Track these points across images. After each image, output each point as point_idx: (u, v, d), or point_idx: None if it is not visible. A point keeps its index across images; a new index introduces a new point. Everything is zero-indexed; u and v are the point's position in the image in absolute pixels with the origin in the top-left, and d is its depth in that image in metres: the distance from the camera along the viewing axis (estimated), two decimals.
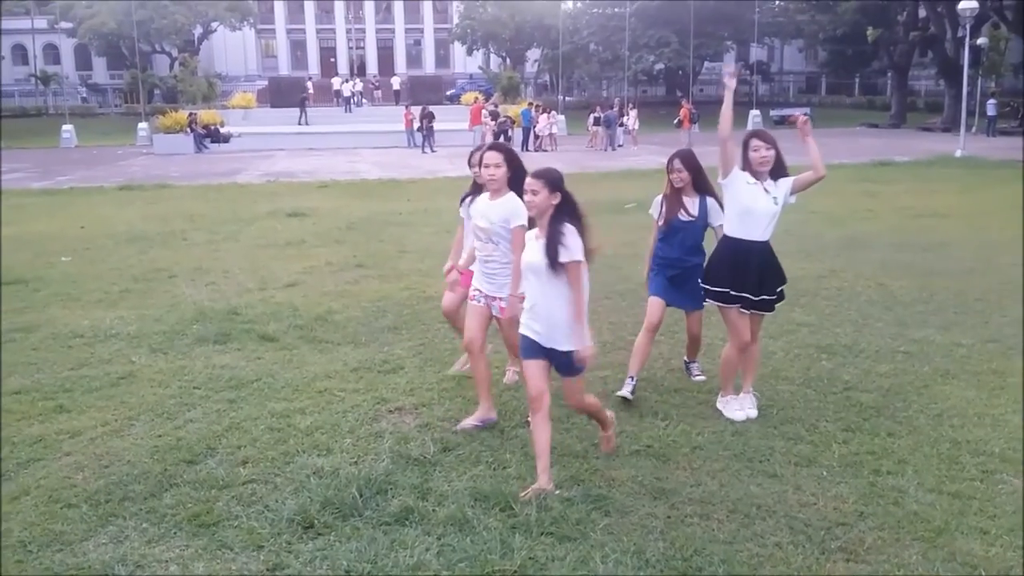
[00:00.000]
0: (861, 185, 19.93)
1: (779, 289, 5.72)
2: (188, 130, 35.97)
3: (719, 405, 5.80)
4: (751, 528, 4.24)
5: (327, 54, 79.60)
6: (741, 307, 5.60)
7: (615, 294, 9.13)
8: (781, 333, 7.56)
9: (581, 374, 4.71)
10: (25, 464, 5.11)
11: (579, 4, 63.63)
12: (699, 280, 5.85)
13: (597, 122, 35.90)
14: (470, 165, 5.97)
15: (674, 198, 5.94)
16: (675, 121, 35.85)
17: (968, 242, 12.25)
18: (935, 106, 51.17)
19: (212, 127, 37.04)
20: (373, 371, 6.73)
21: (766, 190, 5.45)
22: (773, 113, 51.10)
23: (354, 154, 32.16)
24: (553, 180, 4.50)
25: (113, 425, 5.70)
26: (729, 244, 5.60)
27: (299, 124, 41.85)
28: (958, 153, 28.01)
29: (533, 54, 67.19)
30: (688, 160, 5.91)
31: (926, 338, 7.45)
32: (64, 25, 60.16)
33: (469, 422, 5.54)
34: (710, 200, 5.92)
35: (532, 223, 4.76)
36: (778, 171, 5.49)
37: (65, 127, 41.43)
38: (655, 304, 6.05)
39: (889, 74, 56.39)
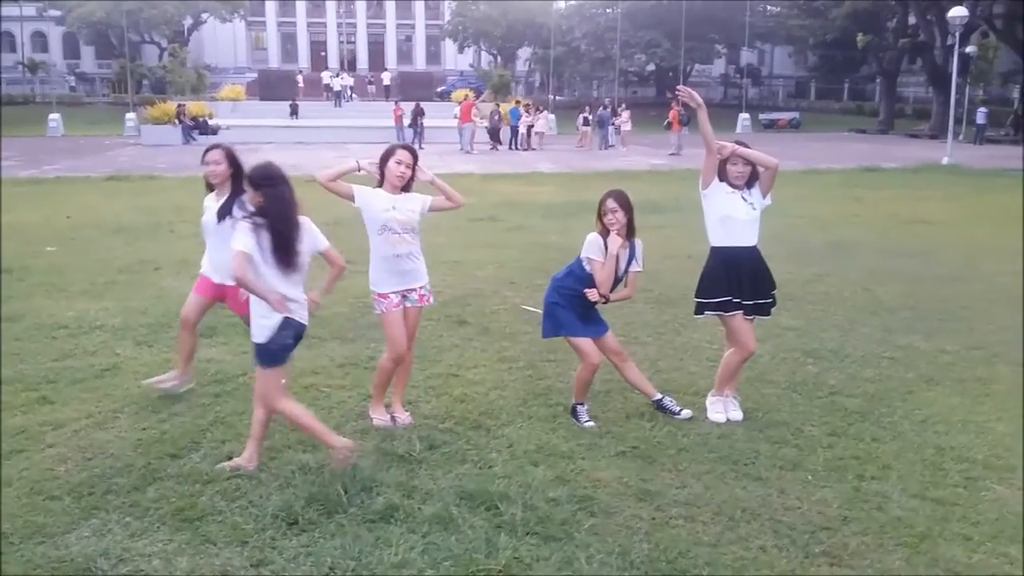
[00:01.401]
0: (848, 190, 20.05)
1: (772, 293, 5.75)
2: (176, 121, 35.79)
3: (708, 403, 5.82)
4: (736, 531, 4.25)
5: (318, 48, 79.41)
6: (744, 313, 5.63)
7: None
8: (767, 337, 7.57)
9: (262, 367, 4.76)
10: (7, 455, 5.06)
11: (571, 3, 63.66)
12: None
13: (587, 122, 35.91)
14: (204, 163, 5.98)
15: (604, 238, 5.46)
16: (664, 123, 35.91)
17: (954, 249, 12.33)
18: (923, 113, 51.45)
19: (200, 119, 36.85)
20: (360, 367, 6.71)
21: (743, 198, 5.56)
22: (762, 117, 51.30)
23: (342, 149, 32.02)
24: (253, 179, 4.71)
25: (97, 417, 5.66)
26: (719, 254, 5.63)
27: (291, 116, 42.00)
28: (945, 160, 28.17)
29: (524, 52, 67.23)
30: (624, 203, 5.46)
31: (911, 344, 7.49)
32: (53, 13, 59.75)
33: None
34: (638, 243, 5.61)
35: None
36: (752, 181, 5.60)
37: (52, 116, 41.17)
38: (587, 344, 5.61)
39: (878, 80, 56.61)
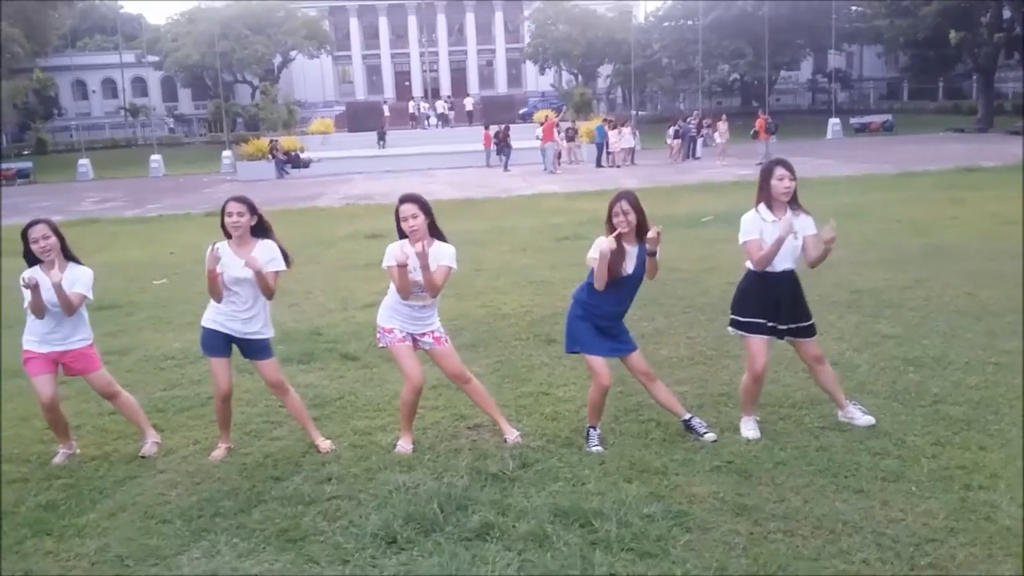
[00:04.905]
0: (947, 192, 19.34)
1: (811, 322, 5.62)
2: (270, 157, 36.93)
3: (741, 425, 5.69)
4: (837, 544, 4.16)
5: (402, 78, 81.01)
6: (776, 337, 5.58)
7: (693, 308, 9.06)
8: (866, 346, 7.40)
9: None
10: (122, 482, 5.33)
11: (651, 18, 63.45)
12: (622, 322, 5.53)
13: (677, 135, 35.69)
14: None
15: (618, 250, 5.28)
16: (751, 132, 35.42)
17: None
18: None
19: (293, 153, 37.97)
20: (452, 388, 6.79)
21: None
22: (853, 121, 50.01)
23: (429, 175, 32.59)
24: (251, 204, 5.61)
25: (204, 444, 5.90)
26: (757, 276, 5.51)
27: (379, 146, 42.94)
28: None
29: (605, 70, 67.19)
30: (635, 205, 5.30)
31: (1018, 349, 7.19)
32: (151, 59, 62.56)
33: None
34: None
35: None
36: (794, 202, 5.48)
37: (153, 157, 43.03)
38: (598, 364, 5.48)
39: (974, 77, 54.67)
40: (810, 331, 5.64)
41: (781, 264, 5.45)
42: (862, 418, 5.65)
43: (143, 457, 5.70)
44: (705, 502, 4.64)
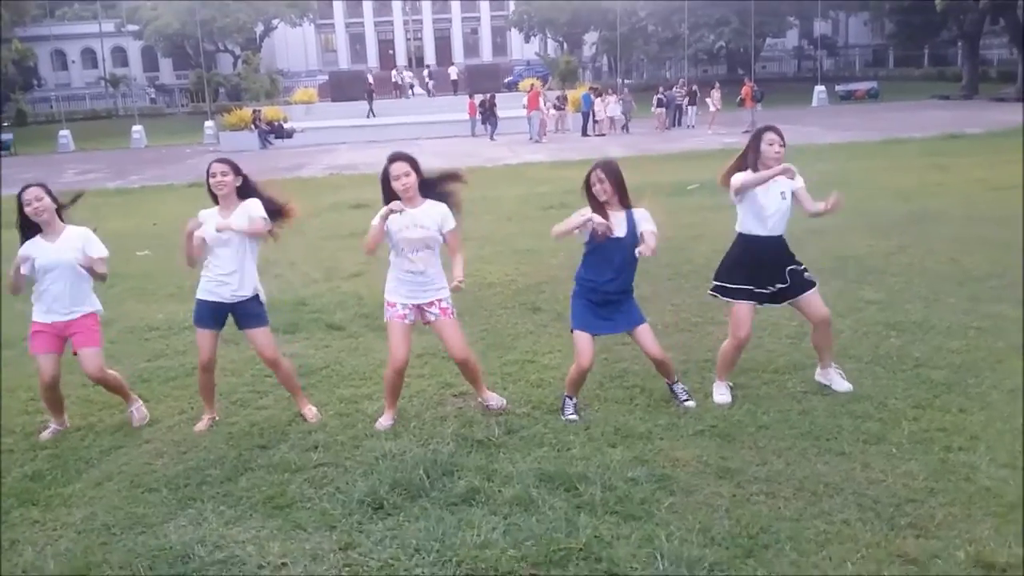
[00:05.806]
0: (931, 159, 19.40)
1: (797, 268, 5.55)
2: (253, 127, 36.62)
3: (714, 389, 5.73)
4: (818, 506, 4.21)
5: (385, 46, 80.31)
6: (774, 303, 5.62)
7: (678, 276, 9.09)
8: (849, 311, 7.45)
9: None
10: (108, 451, 5.34)
11: None
12: (634, 299, 5.50)
13: (661, 103, 35.56)
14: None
15: (599, 214, 5.23)
16: (737, 100, 35.36)
17: None
18: (1009, 75, 49.35)
19: (276, 123, 37.66)
20: (437, 357, 6.82)
21: (774, 188, 5.42)
22: (839, 88, 49.96)
23: (414, 145, 32.36)
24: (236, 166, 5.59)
25: (189, 413, 5.90)
26: (744, 241, 5.53)
27: (368, 116, 42.58)
28: None
29: (590, 37, 66.75)
30: (611, 172, 5.29)
31: (999, 313, 7.26)
32: (131, 28, 61.72)
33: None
34: (637, 212, 5.34)
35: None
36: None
37: (135, 128, 42.59)
38: (584, 341, 5.42)
39: (959, 44, 54.56)
40: (806, 285, 5.56)
41: (769, 229, 5.45)
42: (841, 383, 5.69)
43: (135, 428, 5.70)
44: (688, 466, 4.69)
